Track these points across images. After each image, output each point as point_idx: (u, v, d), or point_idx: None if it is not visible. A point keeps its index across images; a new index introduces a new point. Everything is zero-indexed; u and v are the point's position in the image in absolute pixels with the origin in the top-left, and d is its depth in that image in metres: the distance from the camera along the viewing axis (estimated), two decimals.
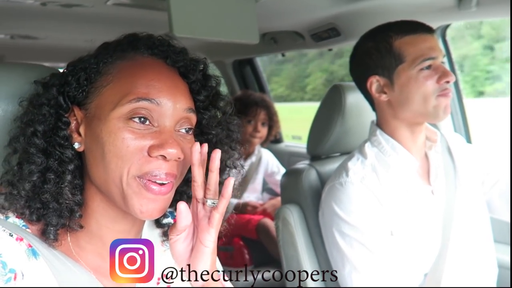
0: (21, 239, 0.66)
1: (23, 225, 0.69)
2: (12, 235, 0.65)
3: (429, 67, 1.12)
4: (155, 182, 0.66)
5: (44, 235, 0.67)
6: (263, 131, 2.50)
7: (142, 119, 0.66)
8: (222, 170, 0.79)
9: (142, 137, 0.66)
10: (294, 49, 2.17)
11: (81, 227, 0.71)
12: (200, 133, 0.78)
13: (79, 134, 0.70)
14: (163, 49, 0.74)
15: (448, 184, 1.24)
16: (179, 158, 0.67)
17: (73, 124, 0.70)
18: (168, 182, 0.68)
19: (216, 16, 1.16)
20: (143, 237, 0.82)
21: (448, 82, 1.11)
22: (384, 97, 1.19)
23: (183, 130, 0.71)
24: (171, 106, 0.68)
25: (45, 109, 0.68)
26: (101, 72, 0.70)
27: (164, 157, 0.66)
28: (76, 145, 0.69)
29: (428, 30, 1.16)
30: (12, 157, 0.68)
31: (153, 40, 0.75)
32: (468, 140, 1.80)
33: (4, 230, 0.65)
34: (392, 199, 1.16)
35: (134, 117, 0.66)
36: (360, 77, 1.24)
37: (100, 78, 0.70)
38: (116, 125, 0.66)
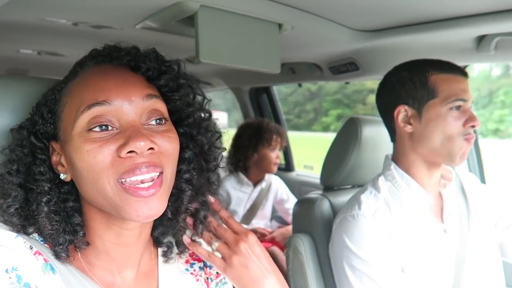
0: (40, 254, 0.67)
1: (41, 240, 0.70)
2: (32, 248, 0.67)
3: (458, 107, 1.14)
4: (139, 186, 0.64)
5: (55, 254, 0.68)
6: (280, 157, 2.59)
7: (103, 126, 0.65)
8: (214, 150, 0.79)
9: (106, 143, 0.64)
10: (311, 80, 2.22)
11: (88, 244, 0.72)
12: (179, 118, 0.75)
13: (63, 165, 0.70)
14: (105, 53, 0.73)
15: (461, 223, 1.23)
16: (151, 148, 0.65)
17: (56, 158, 0.71)
18: (154, 181, 0.65)
19: (241, 45, 1.20)
20: (160, 259, 0.82)
21: (473, 126, 1.13)
22: (408, 128, 1.20)
23: (153, 122, 0.69)
24: (126, 101, 0.66)
25: (18, 150, 0.69)
26: (58, 100, 0.71)
27: (135, 153, 0.64)
28: (62, 176, 0.70)
29: (464, 73, 1.19)
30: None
31: (96, 50, 0.74)
32: (482, 180, 1.80)
33: (25, 242, 0.67)
34: (404, 235, 1.15)
35: (92, 127, 0.65)
36: (387, 105, 1.25)
37: (59, 105, 0.70)
38: (78, 141, 0.65)
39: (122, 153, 0.63)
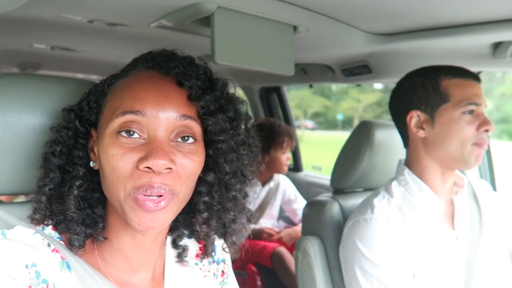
0: (57, 251, 0.68)
1: (57, 237, 0.72)
2: (50, 245, 0.68)
3: (471, 112, 1.14)
4: (149, 197, 0.64)
5: (69, 243, 0.70)
6: (290, 158, 2.62)
7: (131, 132, 0.66)
8: (238, 180, 0.77)
9: (130, 151, 0.65)
10: (322, 81, 2.21)
11: (105, 238, 0.73)
12: (210, 141, 0.74)
13: (95, 154, 0.72)
14: (157, 60, 0.73)
15: (472, 230, 1.23)
16: (169, 168, 0.65)
17: (92, 144, 0.74)
18: (164, 195, 0.65)
19: (256, 47, 1.20)
20: (167, 258, 0.83)
21: (487, 131, 1.12)
22: (421, 133, 1.20)
23: (181, 140, 0.68)
24: (159, 115, 0.66)
25: (64, 132, 0.73)
26: (106, 93, 0.73)
27: (151, 169, 0.64)
28: (92, 164, 0.73)
29: (476, 78, 1.19)
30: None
31: (151, 54, 0.75)
32: (493, 186, 1.79)
33: (43, 239, 0.68)
34: (416, 240, 1.15)
35: (121, 131, 0.66)
36: (400, 111, 1.25)
37: (105, 99, 0.72)
38: (107, 142, 0.67)
39: (140, 166, 0.64)
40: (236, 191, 0.78)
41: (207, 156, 0.73)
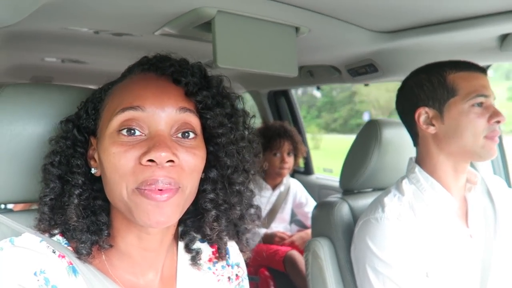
0: (63, 256, 0.69)
1: (65, 243, 0.73)
2: (55, 252, 0.69)
3: (480, 104, 1.12)
4: (155, 190, 0.64)
5: (77, 251, 0.70)
6: (290, 161, 2.48)
7: (131, 130, 0.67)
8: (240, 174, 0.77)
9: (132, 148, 0.66)
10: (330, 83, 2.20)
11: (111, 245, 0.73)
12: (210, 136, 0.75)
13: (96, 161, 0.73)
14: (152, 62, 0.75)
15: (487, 228, 1.20)
16: (171, 161, 0.65)
17: (91, 152, 0.74)
18: (168, 188, 0.65)
19: (258, 49, 1.20)
20: (180, 262, 0.83)
21: (498, 122, 1.11)
22: (431, 130, 1.18)
23: (182, 135, 0.69)
24: (159, 110, 0.67)
25: (62, 142, 0.74)
26: (103, 99, 0.75)
27: (155, 163, 0.64)
28: (93, 170, 0.74)
29: (482, 70, 1.17)
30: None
31: (146, 58, 0.77)
32: (508, 182, 1.74)
33: (48, 247, 0.69)
34: (429, 239, 1.13)
35: (121, 129, 0.67)
36: (408, 108, 1.24)
37: (102, 104, 0.74)
38: (108, 142, 0.67)
39: (143, 160, 0.64)
40: (240, 185, 0.78)
41: (208, 152, 0.74)
